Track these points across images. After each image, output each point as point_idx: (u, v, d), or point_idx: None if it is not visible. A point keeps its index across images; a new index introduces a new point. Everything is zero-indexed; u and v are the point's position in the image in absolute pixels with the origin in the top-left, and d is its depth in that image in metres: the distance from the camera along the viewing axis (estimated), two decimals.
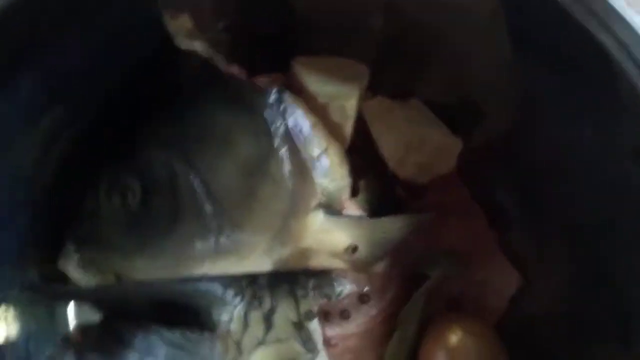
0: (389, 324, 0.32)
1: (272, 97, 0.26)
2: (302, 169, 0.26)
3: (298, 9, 0.31)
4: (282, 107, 0.26)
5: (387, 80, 0.33)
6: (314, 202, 0.27)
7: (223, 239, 0.26)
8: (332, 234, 0.27)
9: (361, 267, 0.30)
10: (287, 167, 0.26)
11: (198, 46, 0.27)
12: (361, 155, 0.32)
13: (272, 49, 0.31)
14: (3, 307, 0.28)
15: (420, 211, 0.32)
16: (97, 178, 0.27)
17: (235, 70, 0.26)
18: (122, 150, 0.27)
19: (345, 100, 0.29)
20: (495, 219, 0.35)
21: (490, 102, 0.32)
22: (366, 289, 0.30)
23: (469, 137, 0.33)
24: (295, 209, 0.26)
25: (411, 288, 0.33)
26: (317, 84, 0.30)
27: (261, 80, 0.28)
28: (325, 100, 0.29)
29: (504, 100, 0.31)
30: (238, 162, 0.26)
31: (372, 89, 0.32)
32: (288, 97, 0.27)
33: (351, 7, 0.31)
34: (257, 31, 0.31)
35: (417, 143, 0.32)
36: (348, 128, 0.30)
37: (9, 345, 0.28)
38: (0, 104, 0.21)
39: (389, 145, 0.32)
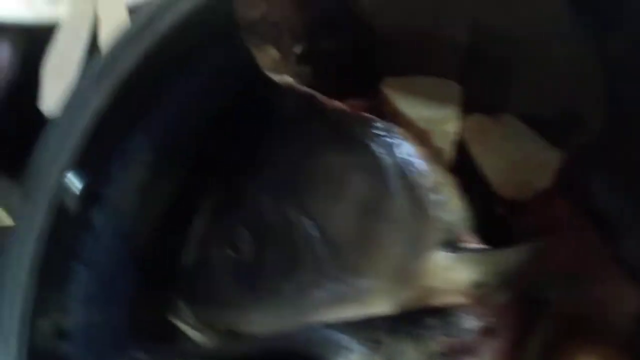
0: (513, 355, 0.30)
1: (380, 130, 0.25)
2: (420, 205, 0.25)
3: (377, 27, 0.30)
4: (390, 140, 0.25)
5: (474, 96, 0.31)
6: (434, 239, 0.25)
7: (342, 286, 0.25)
8: (455, 271, 0.26)
9: (483, 300, 0.28)
10: (403, 204, 0.25)
11: (289, 79, 0.26)
12: (461, 177, 0.30)
13: (353, 72, 0.30)
14: None
15: (524, 229, 0.31)
16: (206, 230, 0.27)
17: (337, 103, 0.25)
18: (230, 199, 0.27)
19: (448, 124, 0.28)
20: (603, 231, 0.33)
21: (582, 104, 0.30)
22: (488, 320, 0.29)
23: (563, 146, 0.32)
24: (416, 249, 0.25)
25: (529, 315, 0.31)
26: (413, 108, 0.29)
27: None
28: (427, 126, 0.28)
29: (595, 100, 0.29)
30: (353, 203, 0.25)
31: (462, 107, 0.31)
32: (396, 129, 0.25)
33: (433, 22, 0.30)
34: (334, 56, 0.30)
35: (519, 161, 0.31)
36: (450, 153, 0.28)
37: None
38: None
39: (493, 166, 0.30)
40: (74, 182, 0.18)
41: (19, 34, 0.28)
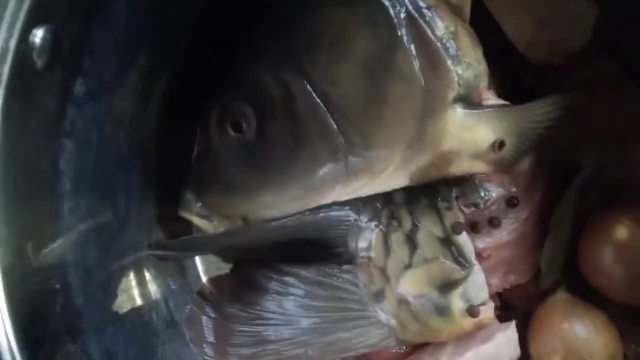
0: (541, 226, 0.28)
1: None
2: (433, 57, 0.22)
3: None
4: None
5: None
6: (451, 95, 0.23)
7: (353, 156, 0.23)
8: (475, 130, 0.24)
9: (506, 166, 0.26)
10: (415, 57, 0.22)
11: None
12: (481, 40, 0.27)
13: None
14: (137, 269, 0.27)
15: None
16: (204, 113, 0.25)
17: None
18: (227, 77, 0.24)
19: None
20: None
21: None
22: (513, 190, 0.27)
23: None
24: (430, 107, 0.23)
25: (561, 184, 0.29)
26: None
27: None
28: None
29: None
30: (358, 62, 0.22)
31: None
32: None
33: None
34: None
35: (548, 17, 0.28)
36: (467, 9, 0.25)
37: (152, 305, 0.27)
38: (98, 34, 0.19)
39: (518, 25, 0.27)
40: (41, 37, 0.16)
41: None
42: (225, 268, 0.30)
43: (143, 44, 0.22)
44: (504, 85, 0.29)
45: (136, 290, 0.27)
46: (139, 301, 0.27)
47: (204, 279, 0.31)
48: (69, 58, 0.17)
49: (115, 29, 0.20)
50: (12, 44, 0.15)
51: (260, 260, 0.29)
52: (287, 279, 0.29)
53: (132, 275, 0.26)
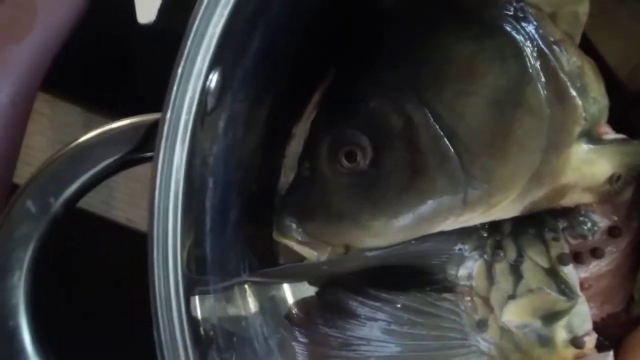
0: (635, 255, 0.29)
1: (513, 11, 0.22)
2: (561, 92, 0.22)
3: None
4: (525, 22, 0.22)
5: None
6: (577, 130, 0.23)
7: (472, 190, 0.23)
8: (595, 164, 0.23)
9: (612, 196, 0.26)
10: (544, 92, 0.22)
11: None
12: None
13: None
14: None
15: None
16: (313, 141, 0.25)
17: None
18: (340, 105, 0.24)
19: (577, 4, 0.25)
20: None
21: None
22: (615, 220, 0.27)
23: None
24: (555, 142, 0.23)
25: None
26: None
27: None
28: (552, 9, 0.25)
29: None
30: (486, 96, 0.22)
31: None
32: (529, 9, 0.22)
33: None
34: None
35: None
36: (578, 38, 0.25)
37: (249, 324, 0.26)
38: (238, 73, 0.18)
39: (619, 53, 0.27)
40: (212, 82, 0.16)
41: None
42: (310, 290, 0.30)
43: (265, 80, 0.21)
44: None
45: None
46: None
47: (289, 301, 0.31)
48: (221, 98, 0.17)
49: (247, 67, 0.19)
50: (198, 89, 0.14)
51: (347, 283, 0.29)
52: (378, 304, 0.28)
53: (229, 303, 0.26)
